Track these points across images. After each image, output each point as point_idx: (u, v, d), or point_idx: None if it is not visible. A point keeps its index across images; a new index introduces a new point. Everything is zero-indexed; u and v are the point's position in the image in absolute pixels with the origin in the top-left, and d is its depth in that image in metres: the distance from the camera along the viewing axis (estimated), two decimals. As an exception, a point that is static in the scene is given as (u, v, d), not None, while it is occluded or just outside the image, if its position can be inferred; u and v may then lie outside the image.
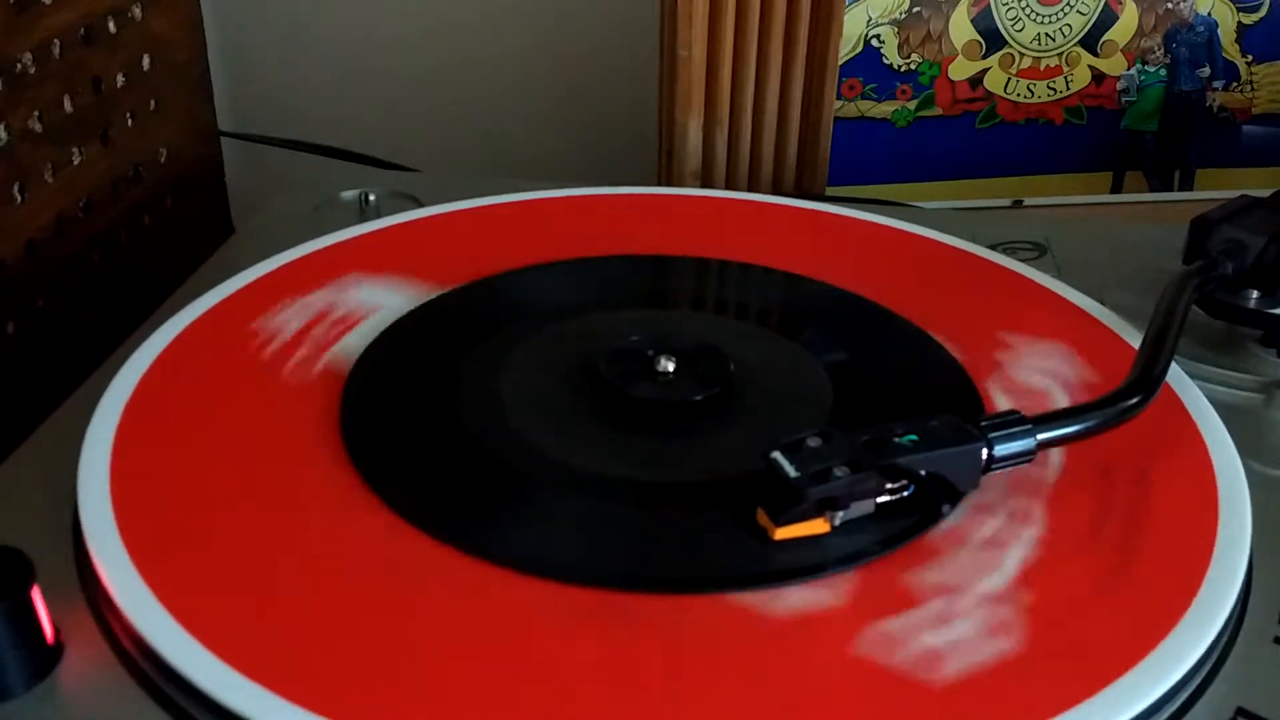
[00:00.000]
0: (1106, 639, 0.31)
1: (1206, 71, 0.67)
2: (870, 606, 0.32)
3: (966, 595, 0.32)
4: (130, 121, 0.57)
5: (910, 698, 0.29)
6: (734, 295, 0.49)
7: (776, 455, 0.33)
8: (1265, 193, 0.47)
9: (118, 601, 0.31)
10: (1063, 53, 0.66)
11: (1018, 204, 0.69)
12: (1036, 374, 0.42)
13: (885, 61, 0.65)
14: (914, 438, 0.34)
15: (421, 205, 0.54)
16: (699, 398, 0.39)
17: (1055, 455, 0.37)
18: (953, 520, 0.35)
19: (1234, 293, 0.45)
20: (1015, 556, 0.34)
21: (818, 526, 0.33)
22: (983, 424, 0.34)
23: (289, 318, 0.44)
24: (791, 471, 0.33)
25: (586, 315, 0.45)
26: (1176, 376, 0.41)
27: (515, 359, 0.42)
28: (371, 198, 0.55)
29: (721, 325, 0.46)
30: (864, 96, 0.66)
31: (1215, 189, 0.68)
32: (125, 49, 0.56)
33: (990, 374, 0.42)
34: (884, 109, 0.66)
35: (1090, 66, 0.66)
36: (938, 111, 0.67)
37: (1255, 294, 0.44)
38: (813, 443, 0.34)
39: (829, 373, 0.42)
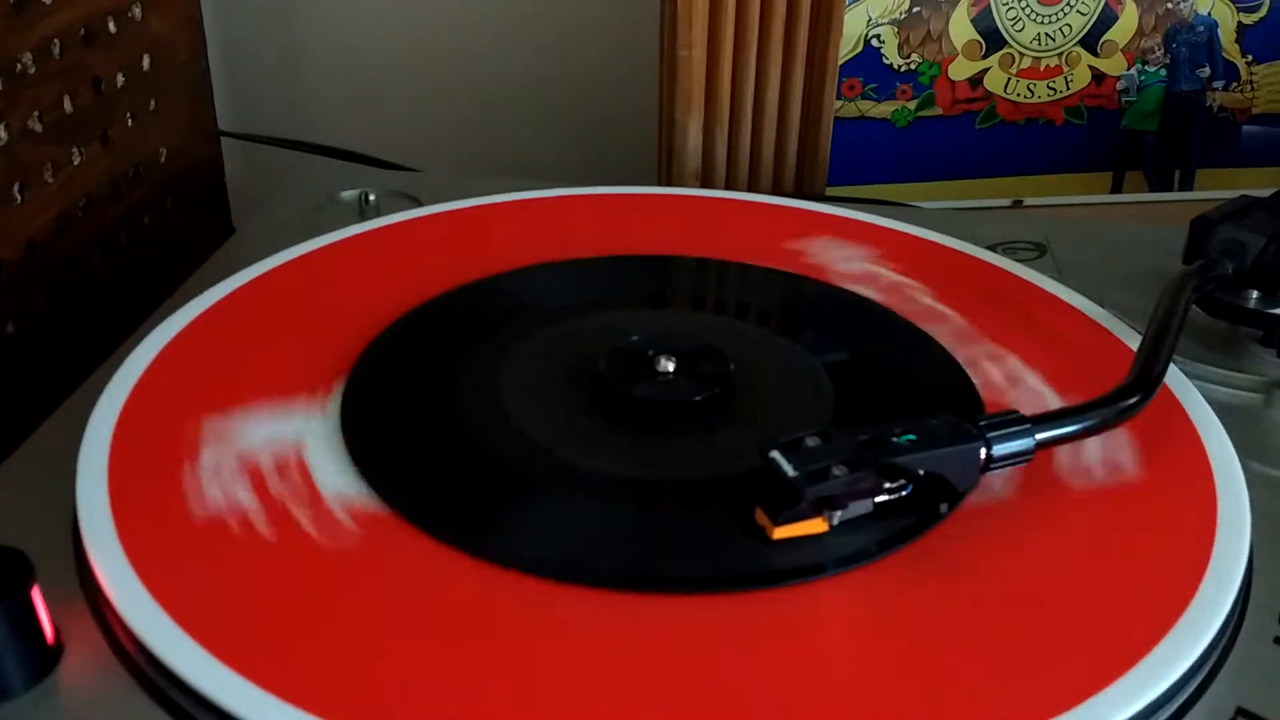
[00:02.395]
0: (1107, 639, 0.31)
1: (1206, 71, 0.67)
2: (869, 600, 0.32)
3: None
4: (130, 121, 0.57)
5: (907, 696, 0.29)
6: (734, 295, 0.49)
7: (775, 454, 0.33)
8: (1265, 193, 0.47)
9: (115, 603, 0.31)
10: (1063, 53, 0.66)
11: (1018, 204, 0.69)
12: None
13: (885, 61, 0.65)
14: (912, 437, 0.34)
15: (421, 205, 0.54)
16: (699, 398, 0.39)
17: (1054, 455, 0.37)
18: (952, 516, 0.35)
19: (1234, 293, 0.44)
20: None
21: (816, 526, 0.33)
22: (981, 424, 0.34)
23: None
24: (790, 470, 0.33)
25: (586, 315, 0.45)
26: (1175, 378, 0.41)
27: (515, 359, 0.42)
28: (371, 198, 0.55)
29: (721, 325, 0.46)
30: (864, 96, 0.66)
31: (1215, 189, 0.68)
32: (125, 49, 0.56)
33: (989, 374, 0.42)
34: (884, 109, 0.66)
35: (1090, 66, 0.66)
36: (938, 111, 0.67)
37: (1255, 294, 0.44)
38: (811, 442, 0.34)
39: (829, 373, 0.42)
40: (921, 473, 0.34)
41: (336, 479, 0.36)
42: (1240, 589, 0.33)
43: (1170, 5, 0.65)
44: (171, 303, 0.46)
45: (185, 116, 0.62)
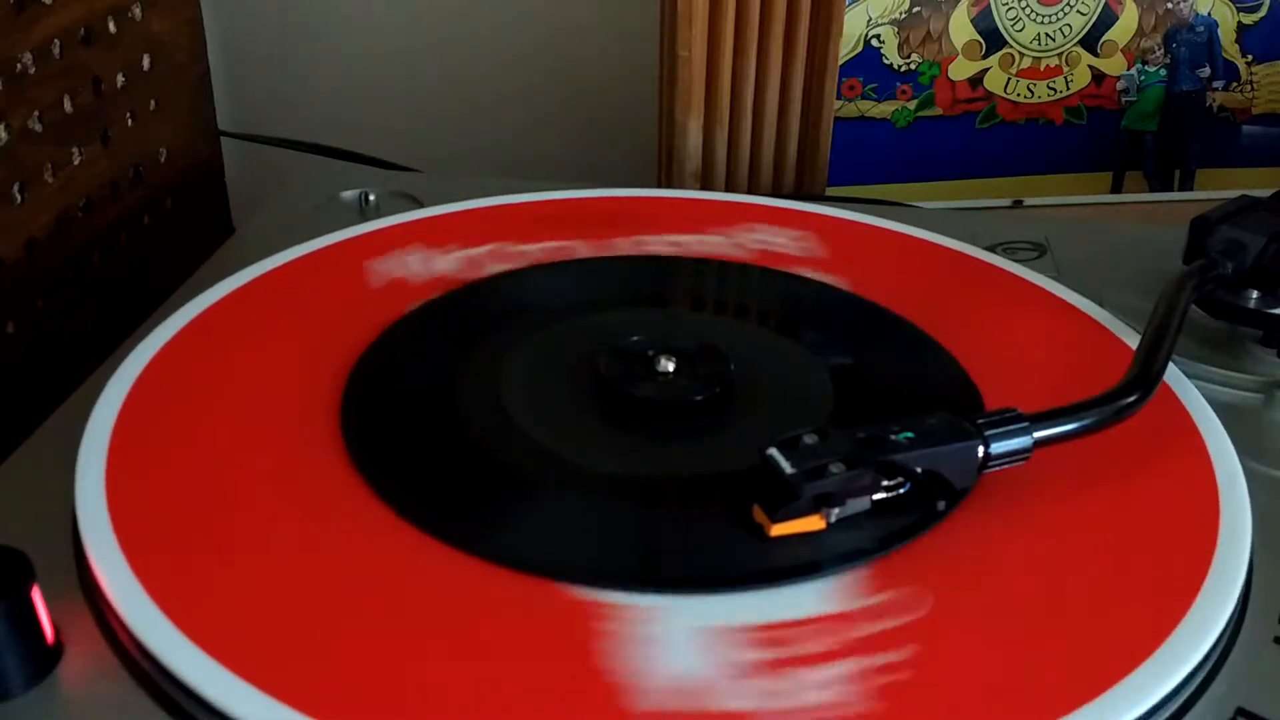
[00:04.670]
0: (1107, 640, 0.31)
1: (1206, 71, 0.67)
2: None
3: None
4: (130, 121, 0.57)
5: (906, 697, 0.29)
6: (734, 295, 0.49)
7: (773, 451, 0.33)
8: (1265, 193, 0.47)
9: (114, 603, 0.31)
10: (1063, 53, 0.66)
11: (1018, 204, 0.69)
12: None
13: (885, 61, 0.65)
14: (910, 435, 0.34)
15: (421, 205, 0.54)
16: (699, 397, 0.39)
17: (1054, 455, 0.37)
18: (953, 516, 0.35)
19: (1234, 293, 0.45)
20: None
21: (813, 523, 0.33)
22: (979, 422, 0.35)
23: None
24: (788, 468, 0.33)
25: (586, 315, 0.45)
26: (1175, 377, 0.41)
27: (515, 359, 0.42)
28: (371, 198, 0.55)
29: (721, 325, 0.46)
30: (864, 96, 0.66)
31: (1215, 189, 0.68)
32: (125, 49, 0.56)
33: (989, 373, 0.42)
34: (884, 109, 0.66)
35: (1090, 66, 0.66)
36: (938, 111, 0.67)
37: (1255, 294, 0.44)
38: (809, 439, 0.34)
39: (829, 373, 0.42)
40: (919, 470, 0.34)
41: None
42: (1241, 589, 0.33)
43: (1170, 5, 0.65)
44: (171, 303, 0.46)
45: (185, 116, 0.62)
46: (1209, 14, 0.66)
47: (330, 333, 0.43)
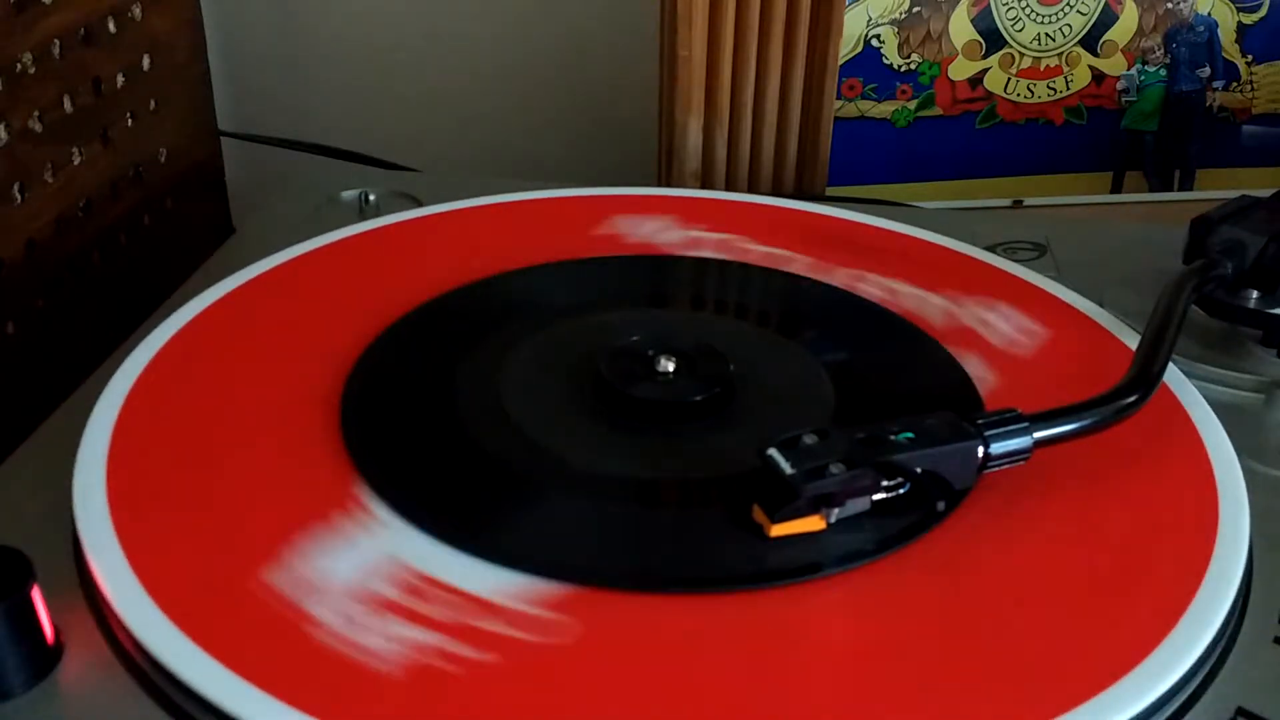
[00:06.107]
0: (1107, 639, 0.31)
1: (1206, 71, 0.67)
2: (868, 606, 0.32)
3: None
4: (130, 121, 0.57)
5: (905, 698, 0.29)
6: (734, 295, 0.49)
7: (772, 452, 0.33)
8: (1265, 193, 0.47)
9: (113, 603, 0.31)
10: (1063, 53, 0.66)
11: (1018, 204, 0.69)
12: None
13: (885, 61, 0.65)
14: (910, 435, 0.34)
15: (421, 205, 0.54)
16: (699, 398, 0.39)
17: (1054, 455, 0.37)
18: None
19: (1234, 293, 0.45)
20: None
21: (813, 524, 0.33)
22: (979, 422, 0.34)
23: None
24: (787, 468, 0.33)
25: (586, 315, 0.45)
26: (1175, 377, 0.41)
27: (515, 359, 0.42)
28: (371, 198, 0.55)
29: (721, 325, 0.46)
30: (864, 96, 0.66)
31: (1215, 189, 0.68)
32: (125, 49, 0.56)
33: (988, 373, 0.42)
34: (884, 109, 0.66)
35: (1090, 66, 0.66)
36: (938, 111, 0.67)
37: (1255, 294, 0.44)
38: (809, 440, 0.34)
39: (829, 373, 0.42)
40: (919, 471, 0.34)
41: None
42: (1240, 589, 0.33)
43: (1170, 5, 0.65)
44: (171, 303, 0.46)
45: (185, 116, 0.62)
46: (1209, 14, 0.66)
47: (330, 333, 0.43)
